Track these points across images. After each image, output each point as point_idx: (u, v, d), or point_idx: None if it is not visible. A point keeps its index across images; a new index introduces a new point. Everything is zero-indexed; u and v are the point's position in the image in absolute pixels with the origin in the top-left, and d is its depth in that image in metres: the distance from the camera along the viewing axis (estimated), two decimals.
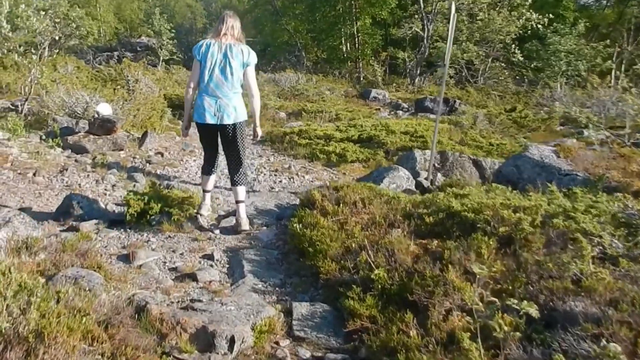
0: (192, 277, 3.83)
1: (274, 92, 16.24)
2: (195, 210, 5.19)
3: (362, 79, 22.33)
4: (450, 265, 3.38)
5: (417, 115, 15.83)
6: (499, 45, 22.13)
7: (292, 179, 7.72)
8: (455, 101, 16.89)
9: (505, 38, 20.88)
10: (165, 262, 4.18)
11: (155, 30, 19.05)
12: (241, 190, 4.81)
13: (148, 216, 4.91)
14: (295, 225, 4.32)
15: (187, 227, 4.87)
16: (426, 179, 6.90)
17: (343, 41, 24.09)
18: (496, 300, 2.89)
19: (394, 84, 20.93)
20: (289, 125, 11.76)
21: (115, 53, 21.67)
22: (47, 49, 16.08)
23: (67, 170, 7.07)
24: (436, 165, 7.24)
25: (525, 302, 2.73)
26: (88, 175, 7.00)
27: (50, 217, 5.21)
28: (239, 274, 3.97)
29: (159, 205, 4.93)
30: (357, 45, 23.69)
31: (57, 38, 14.42)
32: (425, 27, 21.87)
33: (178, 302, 3.36)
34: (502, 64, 22.21)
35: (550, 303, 3.07)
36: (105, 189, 6.56)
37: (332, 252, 3.82)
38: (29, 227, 4.28)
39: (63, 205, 5.22)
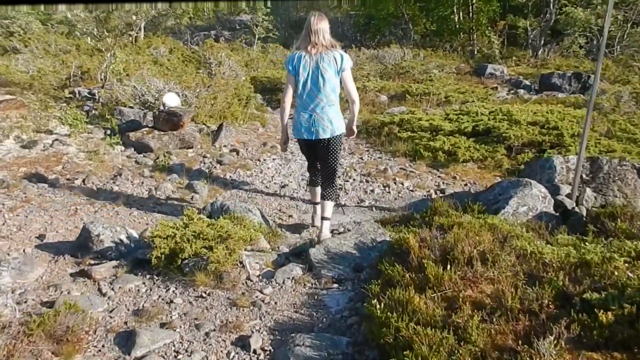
0: None
1: (376, 70, 14.45)
2: (244, 253, 3.77)
3: (476, 52, 19.76)
4: None
5: (542, 95, 13.38)
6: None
7: (387, 188, 6.08)
8: (589, 76, 14.11)
9: None
10: (178, 352, 2.77)
11: (250, 7, 17.94)
12: (328, 205, 4.38)
13: (179, 260, 3.56)
14: (374, 303, 2.72)
15: (228, 279, 3.45)
16: (569, 196, 4.95)
17: (455, 10, 21.49)
18: None
19: (513, 58, 18.20)
20: (389, 112, 10.04)
21: (213, 32, 20.93)
22: (142, 30, 15.68)
23: (120, 175, 5.99)
24: (583, 176, 5.23)
25: None
26: (142, 183, 5.86)
27: (70, 250, 4.05)
28: None
29: (195, 245, 3.55)
30: (471, 14, 20.99)
31: (147, 18, 13.76)
32: None
33: None
34: None
35: None
36: (157, 203, 5.36)
37: None
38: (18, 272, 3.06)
39: (81, 237, 4.04)
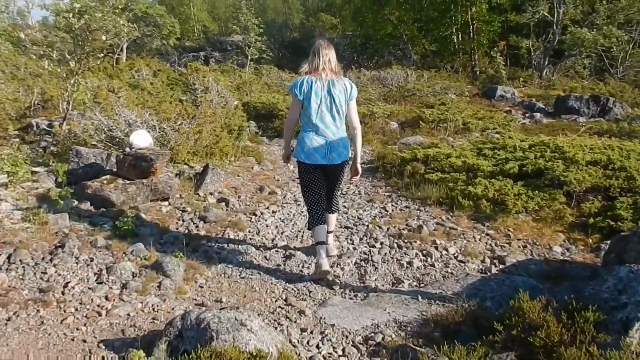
0: None
1: (380, 93, 12.82)
2: None
3: (478, 73, 18.27)
4: None
5: (561, 119, 11.84)
6: None
7: (428, 257, 4.36)
8: (608, 99, 12.59)
9: None
10: None
11: (242, 26, 16.25)
12: (334, 219, 4.35)
13: None
14: None
15: None
16: None
17: (454, 30, 20.03)
18: None
19: (521, 79, 16.67)
20: (404, 142, 8.38)
21: (202, 53, 19.21)
22: (124, 51, 13.95)
23: (63, 247, 4.20)
24: None
25: None
26: (91, 260, 4.06)
27: None
28: None
29: None
30: (471, 34, 19.53)
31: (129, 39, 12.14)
32: (555, 9, 17.43)
33: None
34: None
35: None
36: (106, 297, 3.55)
37: None
38: None
39: None
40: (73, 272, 3.85)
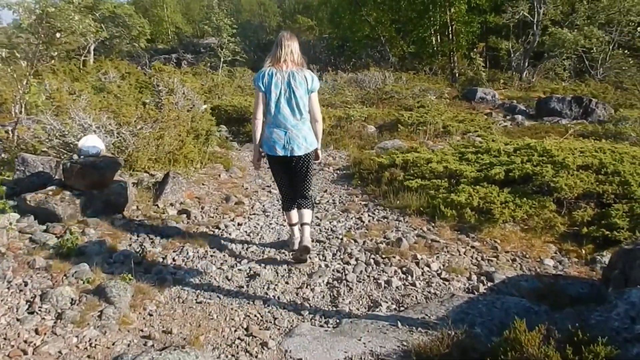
0: None
1: (357, 96, 12.42)
2: None
3: (457, 75, 18.01)
4: None
5: (543, 121, 11.58)
6: (626, 29, 17.50)
7: (408, 275, 3.93)
8: (590, 101, 12.36)
9: (638, 19, 16.30)
10: None
11: (214, 27, 15.68)
12: (307, 213, 4.11)
13: None
14: None
15: None
16: None
17: (433, 32, 19.77)
18: None
19: (501, 81, 16.44)
20: (381, 146, 7.97)
21: (174, 55, 18.59)
22: (92, 53, 13.33)
23: None
24: None
25: None
26: (25, 284, 3.54)
27: None
28: None
29: None
30: (450, 35, 19.29)
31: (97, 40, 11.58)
32: (536, 10, 17.28)
33: None
34: (626, 52, 17.53)
35: None
36: (36, 331, 3.04)
37: None
38: None
39: None
40: (1, 300, 3.33)
